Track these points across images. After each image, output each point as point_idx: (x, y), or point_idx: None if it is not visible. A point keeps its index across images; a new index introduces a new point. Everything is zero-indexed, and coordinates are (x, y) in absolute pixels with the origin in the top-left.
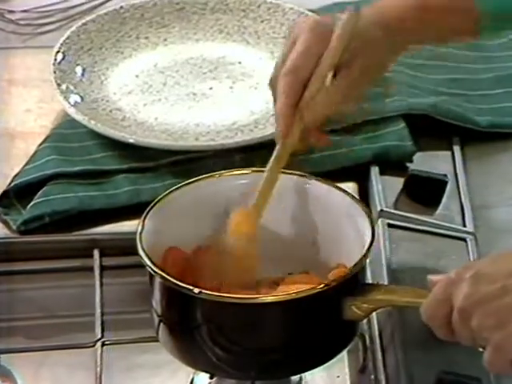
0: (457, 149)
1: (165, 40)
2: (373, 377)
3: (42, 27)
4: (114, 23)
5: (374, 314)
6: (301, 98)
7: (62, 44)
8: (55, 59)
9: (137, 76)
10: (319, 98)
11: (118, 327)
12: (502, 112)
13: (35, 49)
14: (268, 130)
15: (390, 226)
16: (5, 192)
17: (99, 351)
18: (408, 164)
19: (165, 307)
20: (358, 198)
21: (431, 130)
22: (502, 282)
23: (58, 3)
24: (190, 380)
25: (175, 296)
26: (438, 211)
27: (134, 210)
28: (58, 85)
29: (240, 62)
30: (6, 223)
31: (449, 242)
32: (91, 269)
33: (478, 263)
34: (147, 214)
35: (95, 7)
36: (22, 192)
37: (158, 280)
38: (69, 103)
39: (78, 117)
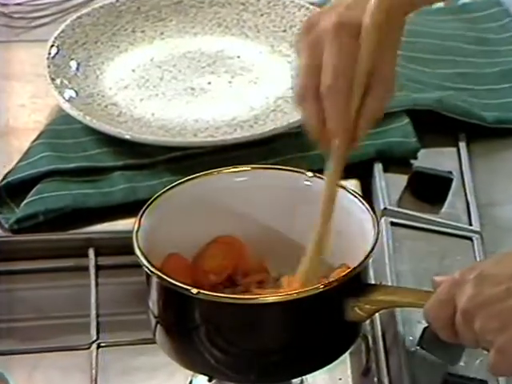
0: (462, 145)
1: (162, 34)
2: (376, 379)
3: (36, 21)
4: (110, 17)
5: (376, 314)
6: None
7: (56, 38)
8: (49, 53)
9: (133, 70)
10: (368, 101)
11: (114, 328)
12: (508, 107)
13: (29, 42)
14: (268, 125)
15: (393, 224)
16: None
17: (94, 353)
18: (412, 161)
19: (162, 308)
20: (361, 195)
21: (436, 125)
22: (507, 283)
23: None
24: (187, 383)
25: (172, 296)
26: (443, 209)
27: (131, 208)
28: (52, 79)
29: (239, 56)
30: None
31: (454, 240)
32: (86, 268)
33: (482, 264)
34: (144, 212)
35: (90, 0)
36: (15, 190)
37: (154, 280)
38: (63, 98)
39: (73, 112)
